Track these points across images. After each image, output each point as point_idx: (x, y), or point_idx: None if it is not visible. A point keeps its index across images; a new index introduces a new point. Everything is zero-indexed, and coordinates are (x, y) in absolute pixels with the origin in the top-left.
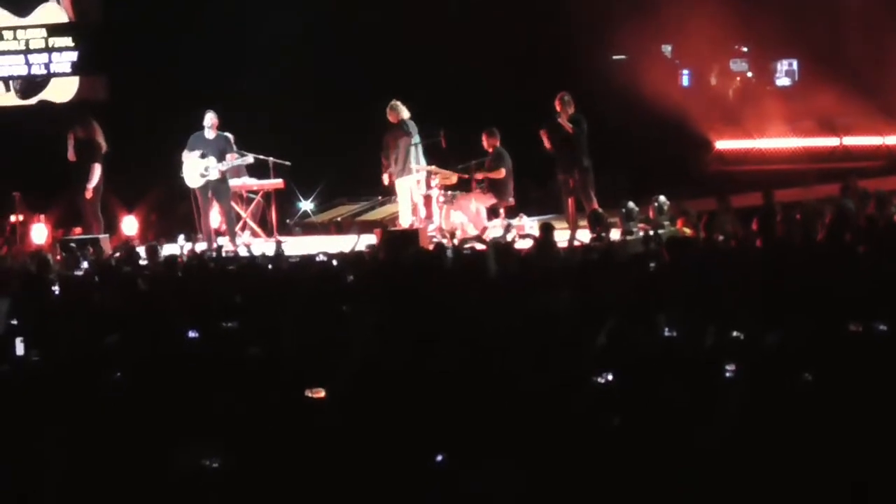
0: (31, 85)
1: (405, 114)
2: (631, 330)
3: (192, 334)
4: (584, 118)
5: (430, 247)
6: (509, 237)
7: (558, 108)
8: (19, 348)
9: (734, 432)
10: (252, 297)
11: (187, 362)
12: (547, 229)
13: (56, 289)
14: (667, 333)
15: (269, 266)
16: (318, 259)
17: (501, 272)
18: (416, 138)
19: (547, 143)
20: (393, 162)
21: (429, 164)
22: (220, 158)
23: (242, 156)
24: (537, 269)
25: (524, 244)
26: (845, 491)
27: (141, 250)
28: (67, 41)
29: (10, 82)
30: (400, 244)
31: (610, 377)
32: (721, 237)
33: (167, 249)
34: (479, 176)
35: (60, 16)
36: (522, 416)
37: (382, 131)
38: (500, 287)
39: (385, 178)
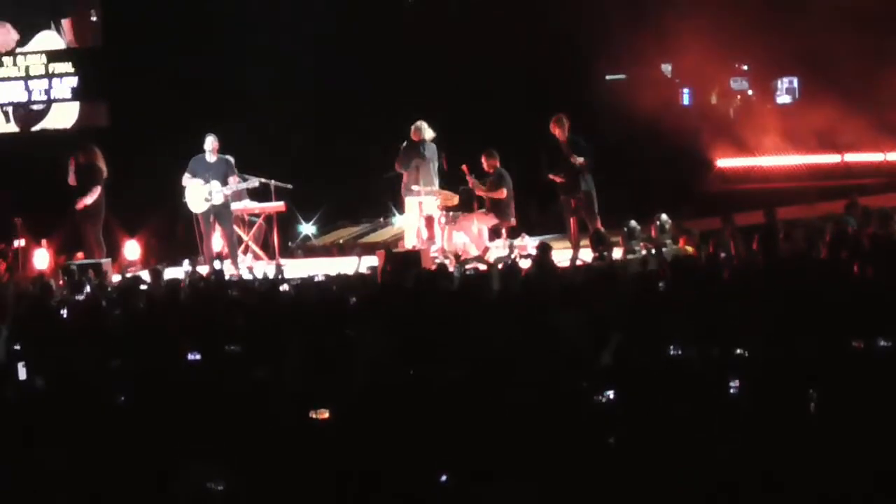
0: (30, 115)
1: (427, 135)
2: (635, 348)
3: (195, 357)
4: (583, 138)
5: (433, 268)
6: (511, 257)
7: (555, 131)
8: (21, 373)
9: (739, 448)
10: (255, 320)
11: (191, 386)
12: (544, 249)
13: (64, 312)
14: (671, 352)
15: (271, 289)
16: (316, 280)
17: (504, 292)
18: (433, 161)
19: (559, 180)
20: (403, 181)
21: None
22: (223, 182)
23: (244, 179)
24: (539, 289)
25: (525, 264)
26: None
27: (144, 274)
28: (67, 67)
29: (10, 113)
30: (402, 265)
31: (612, 395)
32: (723, 255)
33: (171, 273)
34: (480, 192)
35: (59, 43)
36: (526, 434)
37: (387, 153)
38: (502, 307)
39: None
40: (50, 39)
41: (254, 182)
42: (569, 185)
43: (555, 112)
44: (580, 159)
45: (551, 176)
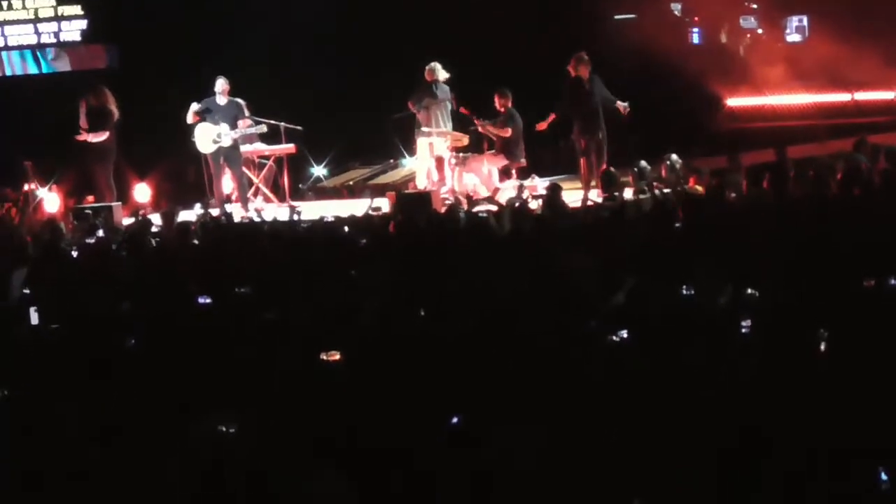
0: None
1: (441, 76)
2: (647, 288)
3: (206, 300)
4: (599, 77)
5: (443, 209)
6: (522, 198)
7: (580, 70)
8: (33, 317)
9: (750, 387)
10: (266, 262)
11: (202, 328)
12: (554, 190)
13: (75, 254)
14: (683, 291)
15: (282, 231)
16: (325, 221)
17: (514, 232)
18: (445, 102)
19: (543, 125)
20: (417, 121)
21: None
22: (233, 125)
23: (256, 123)
24: (549, 230)
25: (536, 205)
26: (857, 442)
27: (155, 217)
28: (76, 9)
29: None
30: (412, 207)
31: (625, 335)
32: (733, 195)
33: (183, 216)
34: (492, 130)
35: None
36: (538, 376)
37: (398, 94)
38: (513, 247)
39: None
40: None
41: (263, 127)
42: (586, 126)
43: (567, 52)
44: (623, 104)
45: (553, 116)
